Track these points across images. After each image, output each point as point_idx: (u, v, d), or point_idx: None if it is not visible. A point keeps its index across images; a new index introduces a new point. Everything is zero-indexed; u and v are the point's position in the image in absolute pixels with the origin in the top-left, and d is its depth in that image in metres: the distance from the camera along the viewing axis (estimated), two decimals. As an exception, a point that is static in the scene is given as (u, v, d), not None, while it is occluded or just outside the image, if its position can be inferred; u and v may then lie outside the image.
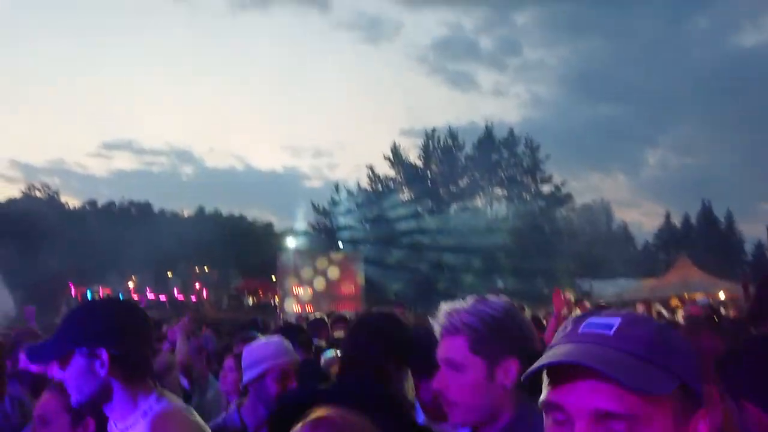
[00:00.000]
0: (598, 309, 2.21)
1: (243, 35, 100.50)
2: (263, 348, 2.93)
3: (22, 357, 3.72)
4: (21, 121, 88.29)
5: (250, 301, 32.03)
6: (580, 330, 0.93)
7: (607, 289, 25.24)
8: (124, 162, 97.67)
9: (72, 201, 64.23)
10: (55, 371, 1.92)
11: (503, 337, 1.61)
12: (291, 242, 27.60)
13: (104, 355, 1.78)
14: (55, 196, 59.57)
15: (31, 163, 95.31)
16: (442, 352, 1.61)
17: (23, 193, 57.78)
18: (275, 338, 3.07)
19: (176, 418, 1.82)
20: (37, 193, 57.82)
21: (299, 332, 4.22)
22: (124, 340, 1.83)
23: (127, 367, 1.81)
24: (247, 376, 2.89)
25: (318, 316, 7.70)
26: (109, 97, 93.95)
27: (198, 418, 1.88)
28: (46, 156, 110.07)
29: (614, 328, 0.90)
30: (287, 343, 3.01)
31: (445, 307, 1.68)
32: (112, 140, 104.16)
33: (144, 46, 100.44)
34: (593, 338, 0.90)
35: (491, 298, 1.68)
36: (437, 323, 1.65)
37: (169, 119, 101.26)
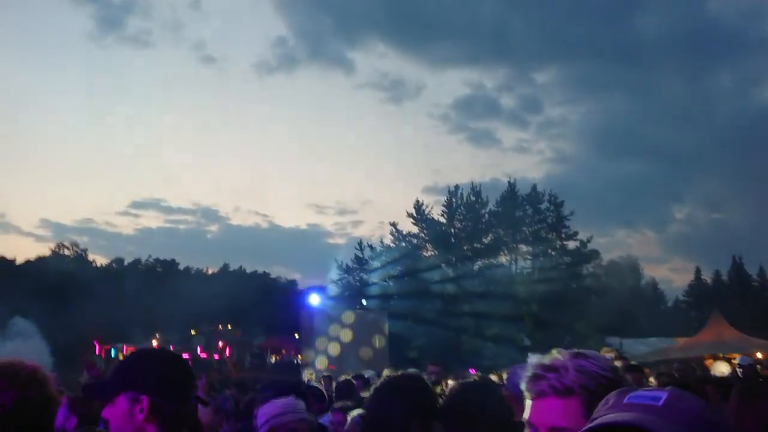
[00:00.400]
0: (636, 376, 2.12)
1: (269, 97, 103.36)
2: (271, 406, 3.02)
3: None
4: (52, 181, 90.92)
5: (273, 359, 31.74)
6: (625, 400, 0.90)
7: (637, 348, 24.53)
8: (152, 221, 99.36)
9: (100, 259, 65.25)
10: (105, 410, 2.01)
11: None
12: (314, 300, 27.49)
13: (145, 401, 1.90)
14: (83, 254, 60.64)
15: (61, 222, 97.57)
16: (545, 416, 1.38)
17: (52, 251, 58.94)
18: (286, 398, 3.12)
19: None
20: (66, 251, 58.92)
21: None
22: (166, 389, 1.94)
23: (164, 416, 1.91)
24: None
25: (346, 377, 7.63)
26: (138, 157, 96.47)
27: None
28: (76, 215, 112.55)
29: (662, 401, 0.88)
30: (299, 402, 3.07)
31: (539, 361, 1.47)
32: (141, 199, 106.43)
33: (173, 108, 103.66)
34: (642, 408, 0.87)
35: (589, 352, 1.50)
36: (533, 380, 1.43)
37: (195, 179, 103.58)
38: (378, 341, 22.52)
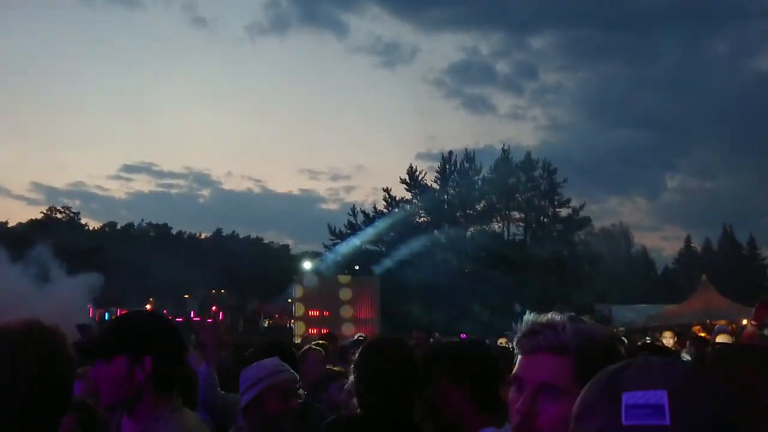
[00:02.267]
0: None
1: (261, 60, 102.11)
2: (258, 368, 2.91)
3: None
4: (43, 145, 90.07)
5: (266, 323, 31.99)
6: (624, 419, 0.73)
7: (626, 314, 24.82)
8: (143, 185, 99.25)
9: (92, 223, 65.09)
10: (95, 369, 2.01)
11: (601, 365, 1.43)
12: (307, 265, 27.58)
13: (148, 362, 1.92)
14: (76, 217, 60.41)
15: (53, 185, 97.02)
16: (537, 371, 1.33)
17: (44, 214, 58.69)
18: (271, 358, 3.03)
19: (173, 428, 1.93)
20: (58, 215, 58.68)
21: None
22: (164, 351, 1.97)
23: (161, 377, 1.95)
24: (245, 398, 2.86)
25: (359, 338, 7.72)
26: (130, 121, 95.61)
27: None
28: (67, 179, 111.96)
29: (668, 415, 0.70)
30: (282, 363, 3.00)
31: (539, 318, 1.41)
32: (132, 163, 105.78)
33: (164, 71, 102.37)
34: None
35: (585, 319, 1.46)
36: (527, 335, 1.38)
37: (187, 143, 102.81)
38: (370, 306, 22.69)
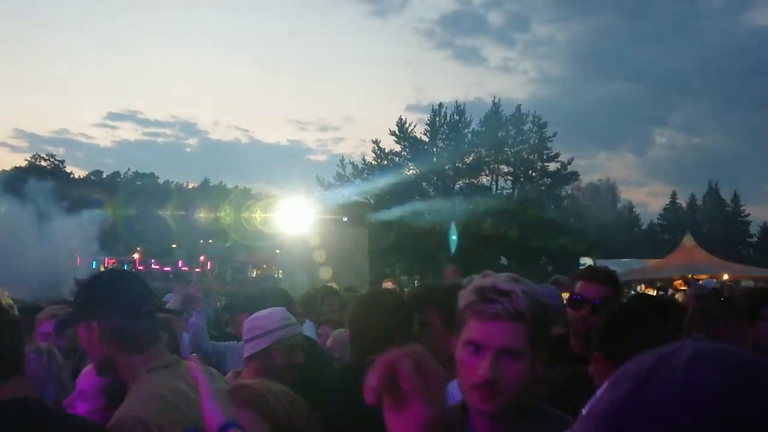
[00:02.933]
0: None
1: (250, 8, 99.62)
2: (267, 320, 2.80)
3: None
4: (26, 91, 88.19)
5: (254, 273, 32.19)
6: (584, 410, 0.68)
7: (610, 268, 25.22)
8: (129, 133, 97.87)
9: (77, 171, 64.39)
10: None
11: (548, 328, 1.51)
12: (295, 216, 27.55)
13: (95, 328, 1.91)
14: (61, 165, 59.73)
15: (36, 132, 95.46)
16: (498, 338, 1.42)
17: (28, 161, 57.94)
18: (279, 309, 2.92)
19: (143, 391, 1.87)
20: (43, 162, 57.98)
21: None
22: (114, 312, 1.94)
23: (120, 336, 1.92)
24: (251, 348, 2.77)
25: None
26: (114, 68, 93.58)
27: (179, 401, 1.89)
28: (51, 126, 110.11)
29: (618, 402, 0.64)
30: (290, 315, 2.91)
31: (490, 283, 1.46)
32: (117, 111, 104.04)
33: (150, 17, 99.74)
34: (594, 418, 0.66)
35: (524, 279, 1.52)
36: (485, 303, 1.44)
37: (174, 91, 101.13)
38: (358, 258, 22.81)
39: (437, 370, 1.10)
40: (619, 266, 25.67)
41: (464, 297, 1.50)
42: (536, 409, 1.52)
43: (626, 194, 64.94)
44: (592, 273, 2.82)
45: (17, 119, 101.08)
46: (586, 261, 27.98)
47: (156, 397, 1.83)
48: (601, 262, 27.57)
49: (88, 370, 2.22)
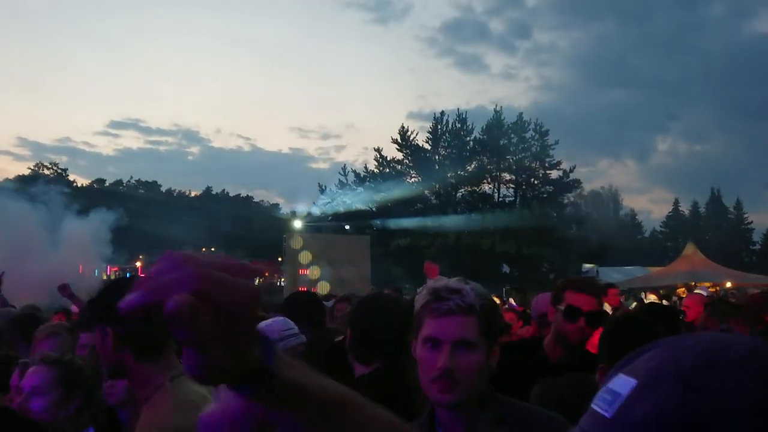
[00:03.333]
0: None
1: (251, 14, 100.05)
2: (267, 330, 2.75)
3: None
4: (28, 99, 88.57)
5: (256, 282, 32.15)
6: (593, 401, 0.61)
7: (612, 276, 25.18)
8: (131, 141, 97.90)
9: (80, 179, 64.54)
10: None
11: (497, 322, 1.69)
12: (297, 224, 27.62)
13: (110, 334, 1.93)
14: (64, 173, 59.86)
15: (39, 140, 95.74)
16: (453, 331, 1.56)
17: (32, 170, 58.09)
18: (280, 319, 2.91)
19: (172, 400, 1.88)
20: (46, 171, 58.12)
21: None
22: (125, 319, 1.91)
23: (136, 342, 1.93)
24: None
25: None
26: (116, 76, 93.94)
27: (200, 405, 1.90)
28: (54, 134, 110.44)
29: (615, 408, 0.58)
30: (291, 325, 2.89)
31: (442, 284, 1.62)
32: (120, 119, 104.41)
33: (151, 26, 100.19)
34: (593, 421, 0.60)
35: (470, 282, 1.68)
36: (438, 301, 1.59)
37: (176, 99, 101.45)
38: (360, 265, 22.80)
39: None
40: (621, 274, 25.70)
41: (420, 299, 1.65)
42: (497, 401, 1.64)
43: (628, 201, 64.89)
44: (583, 283, 2.83)
45: (21, 128, 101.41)
46: (589, 268, 28.02)
47: (190, 406, 1.80)
48: (604, 270, 27.58)
49: (34, 369, 2.33)
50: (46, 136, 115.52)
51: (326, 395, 0.72)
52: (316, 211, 40.28)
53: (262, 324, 2.84)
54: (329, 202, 40.95)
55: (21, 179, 53.05)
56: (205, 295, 0.59)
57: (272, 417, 0.71)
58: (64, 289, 6.92)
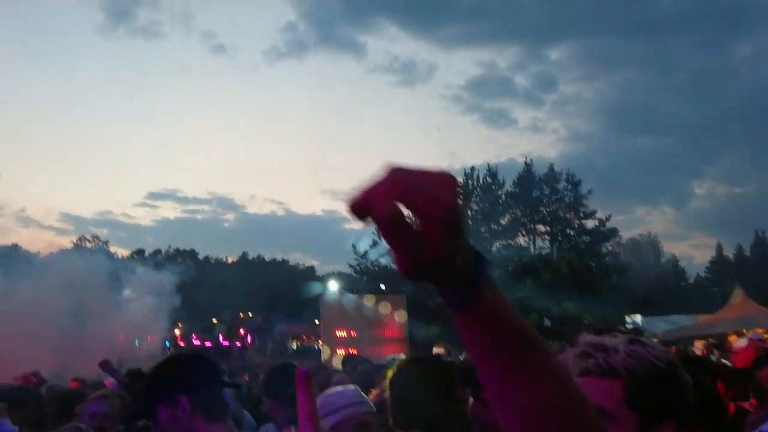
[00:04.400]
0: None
1: (280, 84, 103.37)
2: (339, 396, 2.83)
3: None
4: (70, 175, 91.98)
5: (294, 345, 32.02)
6: None
7: (658, 325, 24.39)
8: (169, 211, 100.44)
9: (120, 251, 65.97)
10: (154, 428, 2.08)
11: (664, 393, 1.31)
12: (333, 285, 27.61)
13: (184, 401, 1.94)
14: (105, 245, 61.35)
15: (80, 215, 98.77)
16: (588, 394, 1.33)
17: (74, 243, 59.75)
18: (352, 387, 2.98)
19: None
20: (88, 244, 59.69)
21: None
22: (198, 383, 2.01)
23: (206, 408, 1.97)
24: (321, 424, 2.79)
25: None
26: (153, 149, 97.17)
27: None
28: (94, 208, 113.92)
29: None
30: (362, 394, 2.94)
31: (591, 339, 1.36)
32: (157, 190, 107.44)
33: (185, 98, 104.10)
34: None
35: (646, 340, 1.39)
36: (579, 357, 1.33)
37: (210, 168, 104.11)
38: (397, 325, 22.58)
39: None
40: (667, 323, 24.85)
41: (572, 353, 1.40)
42: None
43: (669, 248, 63.27)
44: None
45: (62, 203, 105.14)
46: (634, 319, 27.19)
47: None
48: (648, 320, 26.73)
49: None
50: (87, 209, 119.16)
51: (524, 325, 0.73)
52: (351, 271, 40.29)
53: (336, 390, 2.94)
54: (364, 262, 40.96)
55: (63, 253, 54.57)
56: (405, 203, 0.67)
57: (468, 334, 0.73)
58: (105, 365, 6.71)
